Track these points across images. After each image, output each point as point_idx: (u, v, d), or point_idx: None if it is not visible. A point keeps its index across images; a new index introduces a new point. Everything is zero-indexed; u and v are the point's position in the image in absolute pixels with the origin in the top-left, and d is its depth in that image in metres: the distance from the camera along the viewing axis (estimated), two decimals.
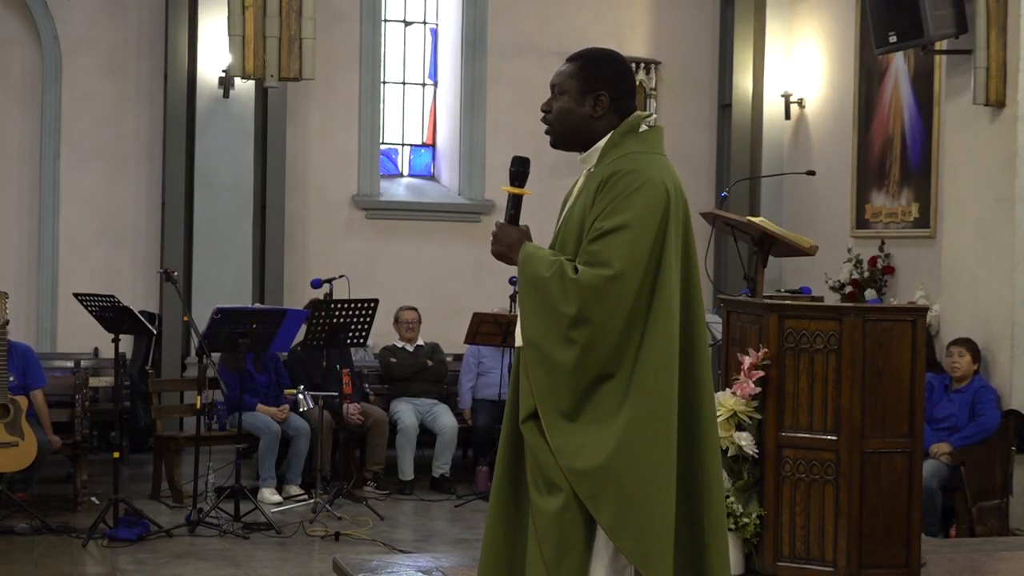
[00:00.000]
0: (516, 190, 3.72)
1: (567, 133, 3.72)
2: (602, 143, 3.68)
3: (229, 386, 8.95)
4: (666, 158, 3.70)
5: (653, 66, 12.25)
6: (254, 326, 8.60)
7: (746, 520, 5.46)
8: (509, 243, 3.67)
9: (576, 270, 3.51)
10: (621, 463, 3.48)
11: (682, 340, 3.59)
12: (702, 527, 3.63)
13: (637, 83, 12.15)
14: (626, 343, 3.51)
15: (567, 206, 3.75)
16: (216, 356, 8.99)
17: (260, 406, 9.22)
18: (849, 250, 10.74)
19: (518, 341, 3.63)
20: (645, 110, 12.08)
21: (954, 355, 8.38)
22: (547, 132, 3.77)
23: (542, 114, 3.77)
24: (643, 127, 3.69)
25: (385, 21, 12.04)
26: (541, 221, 3.89)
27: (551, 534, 3.51)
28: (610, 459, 3.47)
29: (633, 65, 12.12)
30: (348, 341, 9.01)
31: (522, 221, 3.74)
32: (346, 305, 8.87)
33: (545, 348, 3.53)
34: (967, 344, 8.41)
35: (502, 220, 3.72)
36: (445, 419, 9.84)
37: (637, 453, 3.49)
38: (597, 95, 3.66)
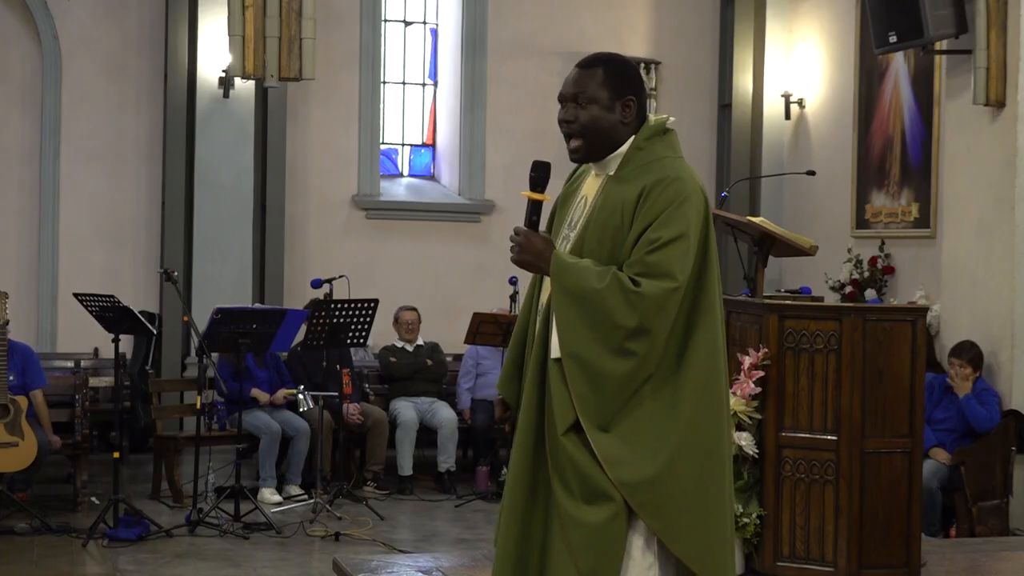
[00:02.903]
0: (537, 195, 3.61)
1: (597, 143, 3.60)
2: (625, 147, 3.60)
3: (224, 379, 8.94)
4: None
5: (653, 66, 12.24)
6: (254, 326, 8.61)
7: (746, 520, 5.46)
8: (537, 252, 3.56)
9: (635, 282, 3.44)
10: (678, 469, 3.45)
11: None
12: None
13: None
14: (668, 346, 3.48)
15: (580, 209, 3.66)
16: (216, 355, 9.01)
17: (255, 390, 9.24)
18: (849, 250, 10.74)
19: (555, 353, 3.54)
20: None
21: (955, 366, 8.34)
22: (574, 144, 3.62)
23: (565, 125, 3.61)
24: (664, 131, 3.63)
25: (385, 21, 12.03)
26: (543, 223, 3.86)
27: (593, 545, 3.45)
28: (667, 465, 3.44)
29: None
30: (348, 341, 9.01)
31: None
32: (346, 305, 8.87)
33: (592, 360, 3.46)
34: (967, 353, 8.33)
35: (522, 226, 3.60)
36: (444, 413, 9.86)
37: (693, 457, 3.46)
38: (626, 100, 3.59)
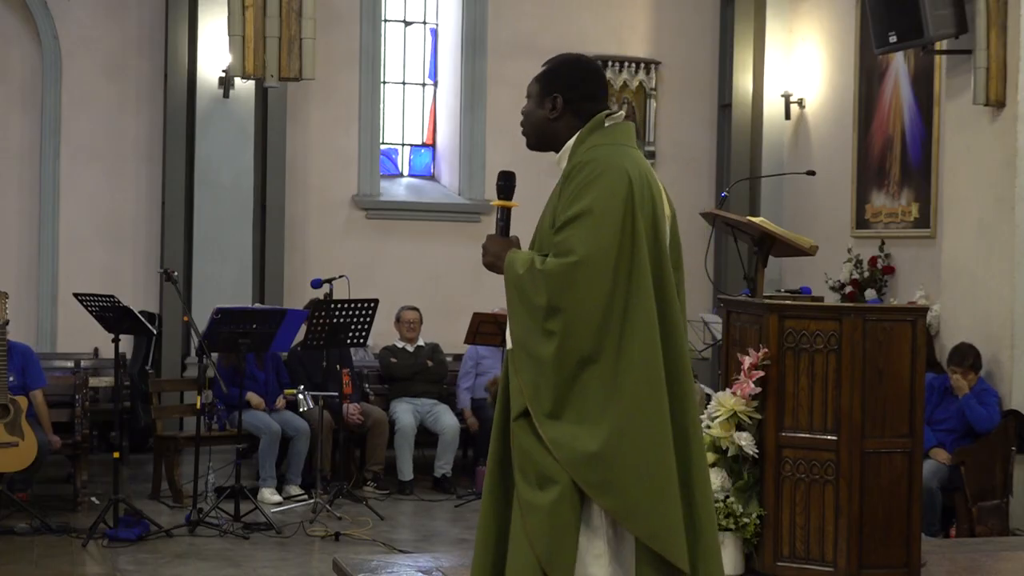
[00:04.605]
0: (504, 203, 3.86)
1: (532, 134, 3.87)
2: (571, 142, 3.78)
3: (224, 381, 8.94)
4: (635, 150, 3.77)
5: (653, 66, 12.24)
6: (254, 326, 8.60)
7: (746, 520, 5.46)
8: (496, 252, 3.78)
9: (543, 262, 3.59)
10: (619, 447, 3.53)
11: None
12: (692, 510, 3.66)
13: (625, 84, 12.11)
14: (606, 329, 3.57)
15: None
16: (216, 355, 9.00)
17: (251, 394, 9.23)
18: (849, 250, 10.74)
19: (508, 343, 3.71)
20: (643, 111, 12.12)
21: (956, 373, 8.33)
22: (522, 133, 3.92)
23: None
24: (607, 123, 3.76)
25: (385, 21, 12.03)
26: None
27: (544, 529, 3.55)
28: (607, 444, 3.53)
29: (633, 65, 12.15)
30: (348, 341, 9.01)
31: (525, 224, 3.80)
32: (346, 305, 8.87)
33: (529, 345, 3.62)
34: (967, 360, 8.31)
35: (493, 233, 3.84)
36: (446, 419, 9.85)
37: (634, 435, 3.54)
38: (553, 97, 3.79)
